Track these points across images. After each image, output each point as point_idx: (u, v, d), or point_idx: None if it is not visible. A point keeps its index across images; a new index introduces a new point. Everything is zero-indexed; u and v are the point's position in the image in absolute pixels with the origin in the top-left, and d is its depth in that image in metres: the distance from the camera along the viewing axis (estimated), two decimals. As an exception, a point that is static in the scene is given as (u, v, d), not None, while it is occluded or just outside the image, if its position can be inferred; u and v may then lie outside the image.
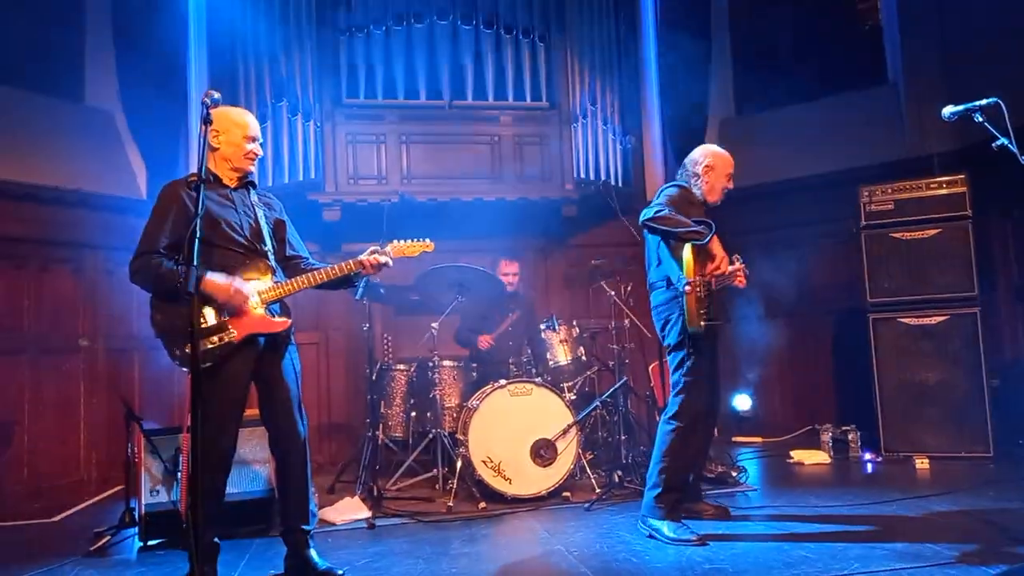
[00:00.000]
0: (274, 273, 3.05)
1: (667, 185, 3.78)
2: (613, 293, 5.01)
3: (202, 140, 2.52)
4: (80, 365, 5.39)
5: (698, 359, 3.52)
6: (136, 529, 3.74)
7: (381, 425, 4.94)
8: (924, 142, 5.90)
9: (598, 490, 4.33)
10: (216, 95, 2.52)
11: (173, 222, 2.88)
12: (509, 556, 3.34)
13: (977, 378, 4.94)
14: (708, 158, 3.73)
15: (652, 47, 7.26)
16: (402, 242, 3.26)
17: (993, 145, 2.88)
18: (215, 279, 2.83)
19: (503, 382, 4.44)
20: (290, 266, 3.21)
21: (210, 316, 2.85)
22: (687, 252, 3.44)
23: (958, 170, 5.21)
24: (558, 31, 6.41)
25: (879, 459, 5.10)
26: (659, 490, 3.50)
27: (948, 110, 3.03)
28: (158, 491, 3.68)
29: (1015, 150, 2.80)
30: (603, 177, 6.26)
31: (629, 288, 5.14)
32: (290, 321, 3.05)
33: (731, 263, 3.50)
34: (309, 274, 3.06)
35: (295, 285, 3.01)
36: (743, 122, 7.07)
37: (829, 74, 6.64)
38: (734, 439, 6.33)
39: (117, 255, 5.61)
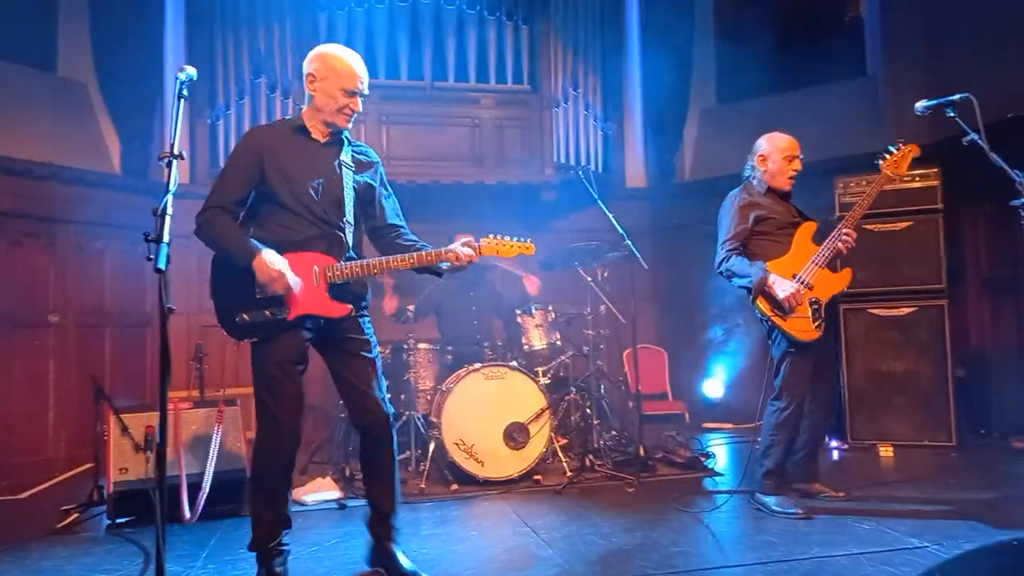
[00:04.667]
0: (347, 248, 2.74)
1: (731, 194, 3.82)
2: (590, 279, 5.03)
3: (176, 116, 2.46)
4: (50, 341, 5.31)
5: (793, 342, 3.56)
6: (104, 507, 3.73)
7: (355, 406, 4.93)
8: (901, 135, 5.94)
9: (569, 473, 4.38)
10: (191, 70, 2.47)
11: (244, 174, 2.67)
12: (478, 537, 3.38)
13: (942, 369, 5.03)
14: (762, 146, 3.79)
15: (635, 33, 7.26)
16: (497, 239, 2.88)
17: (964, 140, 2.93)
18: (266, 260, 2.54)
19: (477, 365, 4.46)
20: (383, 239, 2.93)
21: (264, 288, 2.61)
22: (754, 300, 3.57)
23: (932, 164, 5.28)
24: (542, 14, 6.39)
25: (845, 447, 5.19)
26: (764, 467, 3.64)
27: (921, 104, 3.08)
28: (127, 469, 3.65)
29: (984, 145, 2.85)
30: (583, 162, 6.27)
31: (606, 274, 5.16)
32: (350, 308, 2.72)
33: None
34: (384, 259, 2.76)
35: (365, 268, 2.71)
36: (724, 111, 7.09)
37: (810, 65, 6.67)
38: (704, 425, 6.40)
39: (89, 230, 5.53)
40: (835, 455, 5.07)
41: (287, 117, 2.84)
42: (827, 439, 5.32)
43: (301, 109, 2.81)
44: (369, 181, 2.86)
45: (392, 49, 6.03)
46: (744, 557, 2.95)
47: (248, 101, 5.75)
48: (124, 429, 3.69)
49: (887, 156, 3.65)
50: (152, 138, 5.91)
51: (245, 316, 2.62)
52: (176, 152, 2.34)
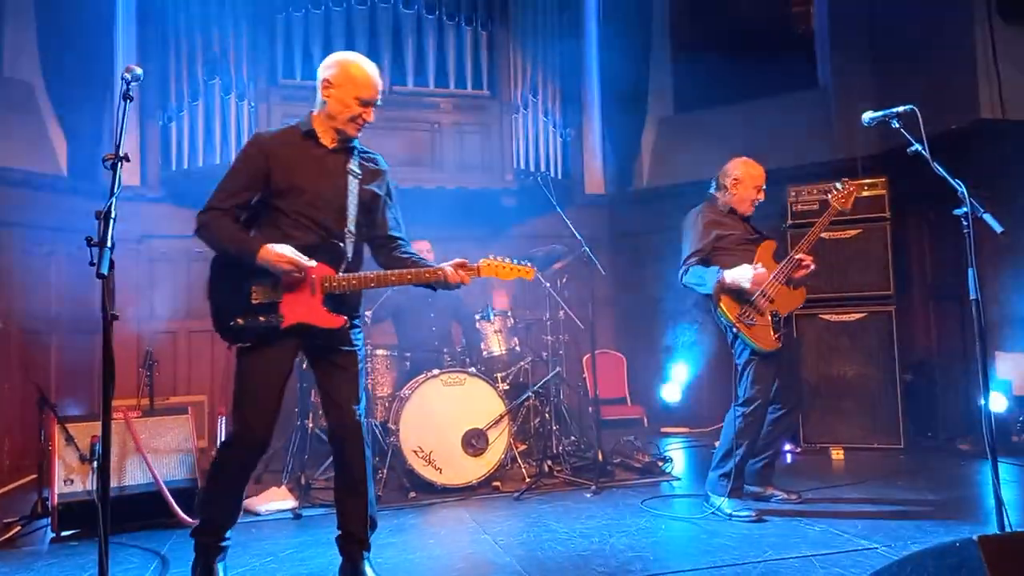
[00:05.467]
0: (346, 259, 2.69)
1: (695, 210, 3.88)
2: (548, 285, 5.04)
3: (122, 117, 2.40)
4: (-8, 348, 5.14)
5: (755, 350, 3.64)
6: (48, 520, 3.60)
7: (311, 415, 4.86)
8: (850, 145, 6.11)
9: (528, 479, 4.37)
10: (138, 70, 2.41)
11: (248, 179, 2.63)
12: (436, 545, 3.35)
13: (891, 373, 5.18)
14: (737, 170, 3.86)
15: (594, 42, 7.34)
16: (497, 260, 2.85)
17: (908, 151, 3.01)
18: (271, 249, 2.51)
19: (436, 372, 4.43)
20: (382, 249, 2.88)
21: (263, 293, 2.59)
22: (717, 304, 3.64)
23: (880, 173, 5.43)
24: (501, 21, 6.41)
25: (798, 450, 5.29)
26: (721, 470, 3.70)
27: (867, 116, 3.15)
28: (72, 480, 3.54)
29: (927, 156, 2.94)
30: (543, 168, 6.29)
31: (564, 280, 5.18)
32: (344, 319, 2.67)
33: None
34: (381, 274, 2.72)
35: (362, 281, 2.66)
36: (680, 120, 7.19)
37: (764, 76, 6.79)
38: (662, 429, 6.47)
39: (35, 234, 5.36)
40: (788, 458, 5.16)
41: (294, 122, 2.79)
42: (782, 443, 5.42)
43: (310, 113, 2.76)
44: (375, 191, 2.81)
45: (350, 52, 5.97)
46: (699, 561, 2.97)
47: (202, 103, 5.64)
48: (69, 439, 3.57)
49: (836, 191, 3.82)
50: (101, 139, 5.77)
51: (240, 321, 2.58)
52: (121, 154, 2.29)
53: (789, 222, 5.46)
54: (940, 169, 2.93)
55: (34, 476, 3.94)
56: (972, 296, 2.77)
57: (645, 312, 6.94)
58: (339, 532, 2.78)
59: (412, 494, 4.20)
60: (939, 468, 4.64)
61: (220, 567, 2.68)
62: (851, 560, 2.90)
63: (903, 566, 1.72)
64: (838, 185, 3.83)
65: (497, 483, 4.39)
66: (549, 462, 4.63)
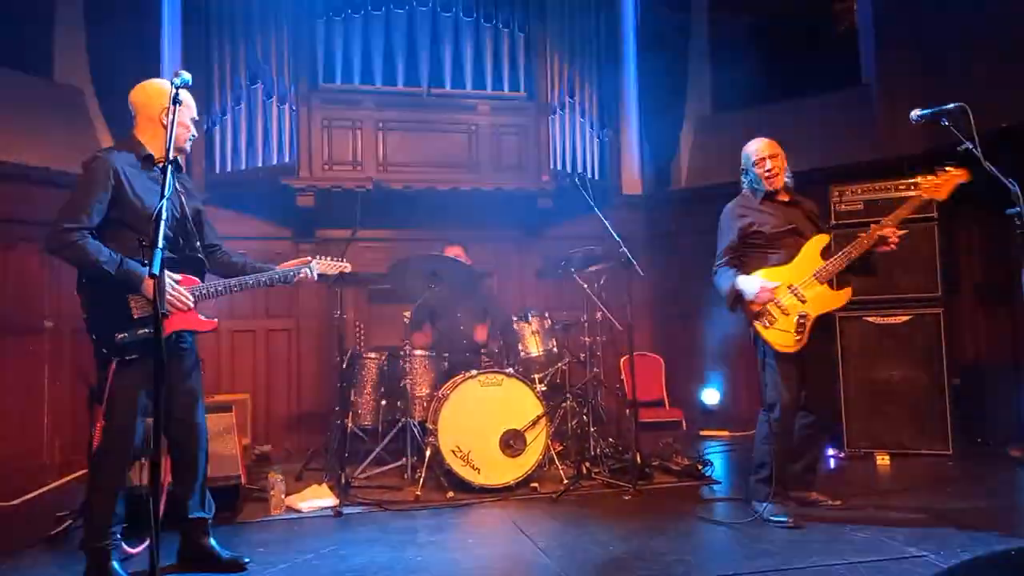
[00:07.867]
0: (206, 269, 3.04)
1: (727, 206, 3.86)
2: (586, 286, 5.03)
3: (172, 120, 2.46)
4: (45, 346, 5.28)
5: (771, 351, 3.62)
6: (98, 514, 3.69)
7: (351, 413, 4.92)
8: (895, 143, 5.97)
9: (566, 481, 4.36)
10: (185, 75, 2.48)
11: (105, 199, 2.78)
12: (475, 545, 3.36)
13: (939, 377, 5.03)
14: (744, 152, 3.86)
15: (631, 42, 7.29)
16: (326, 260, 3.36)
17: (958, 148, 2.94)
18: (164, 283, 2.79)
19: (474, 372, 4.45)
20: (211, 256, 3.15)
21: (142, 307, 2.81)
22: (732, 309, 3.67)
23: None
24: (538, 22, 6.40)
25: (841, 455, 5.18)
26: (758, 475, 3.68)
27: (915, 113, 3.09)
28: (121, 476, 3.62)
29: (979, 154, 2.86)
30: (580, 169, 6.27)
31: (602, 281, 5.16)
32: (216, 322, 3.03)
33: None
34: (241, 279, 3.06)
35: (227, 287, 3.00)
36: (719, 120, 7.11)
37: (805, 75, 6.68)
38: (701, 433, 6.40)
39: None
40: (832, 463, 5.06)
41: (123, 141, 3.04)
42: (824, 447, 5.32)
43: (135, 136, 2.98)
44: (198, 206, 3.11)
45: (389, 56, 6.03)
46: (742, 566, 2.94)
47: (244, 107, 5.74)
48: (118, 436, 3.65)
49: (928, 176, 3.56)
50: (148, 143, 5.89)
51: (123, 335, 2.78)
52: (171, 158, 2.35)
53: (832, 222, 5.35)
54: (991, 168, 2.85)
55: (85, 471, 4.03)
56: (1026, 298, 2.69)
57: (683, 314, 6.86)
58: (183, 520, 3.04)
59: (450, 494, 4.23)
60: (989, 475, 4.52)
61: (115, 564, 2.84)
62: (899, 568, 2.84)
63: (956, 574, 1.68)
64: (945, 169, 3.50)
65: (535, 484, 4.39)
66: (587, 464, 4.61)
